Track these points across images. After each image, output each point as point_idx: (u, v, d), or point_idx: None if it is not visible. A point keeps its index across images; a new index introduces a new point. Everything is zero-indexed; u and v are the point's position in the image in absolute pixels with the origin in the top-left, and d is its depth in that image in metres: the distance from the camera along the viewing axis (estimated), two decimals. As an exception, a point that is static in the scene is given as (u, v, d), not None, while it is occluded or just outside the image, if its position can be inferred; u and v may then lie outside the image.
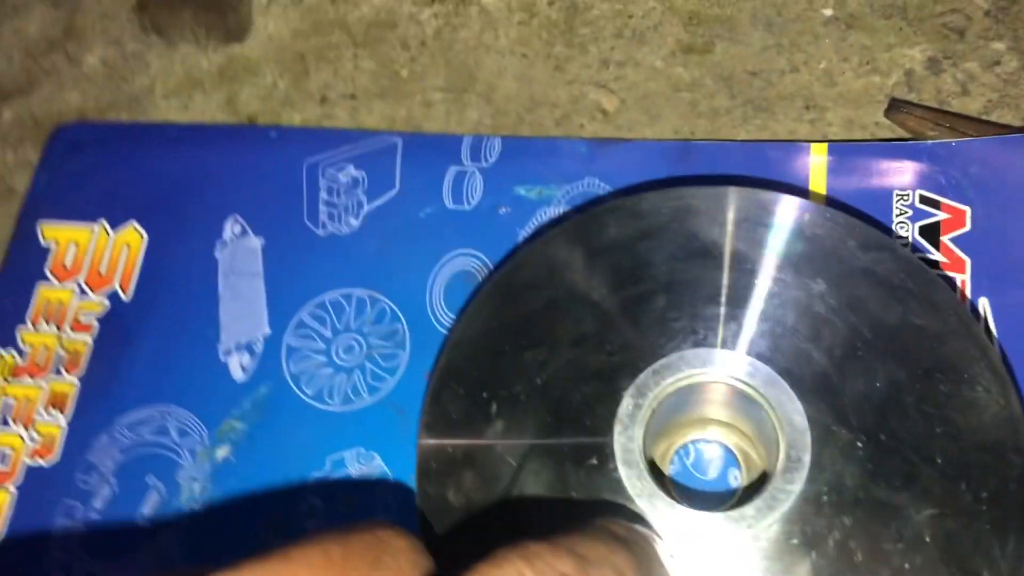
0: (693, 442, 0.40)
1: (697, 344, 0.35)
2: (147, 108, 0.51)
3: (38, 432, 0.44)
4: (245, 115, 0.50)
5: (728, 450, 0.40)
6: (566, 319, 0.37)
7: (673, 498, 0.36)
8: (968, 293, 0.40)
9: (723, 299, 0.36)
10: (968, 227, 0.41)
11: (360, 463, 0.41)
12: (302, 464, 0.41)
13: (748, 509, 0.32)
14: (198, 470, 0.42)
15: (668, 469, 0.40)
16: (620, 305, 0.37)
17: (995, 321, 0.39)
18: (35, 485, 0.43)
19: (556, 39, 0.48)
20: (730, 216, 0.38)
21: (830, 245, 0.36)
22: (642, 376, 0.35)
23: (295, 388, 0.43)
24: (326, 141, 0.47)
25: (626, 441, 0.34)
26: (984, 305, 0.40)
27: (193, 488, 0.42)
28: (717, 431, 0.39)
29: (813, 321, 0.35)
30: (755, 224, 0.37)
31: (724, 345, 0.35)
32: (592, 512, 0.33)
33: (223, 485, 0.42)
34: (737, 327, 0.35)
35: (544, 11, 0.49)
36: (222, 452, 0.42)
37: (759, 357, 0.35)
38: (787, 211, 0.37)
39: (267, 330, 0.44)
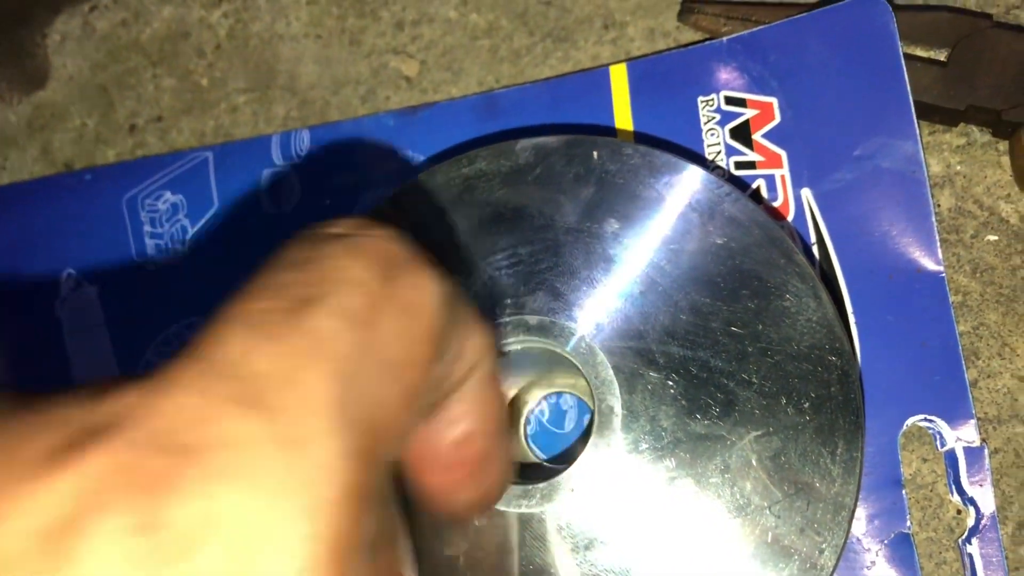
0: (547, 397, 0.40)
1: (499, 315, 0.34)
2: (-32, 176, 0.50)
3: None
4: (62, 162, 0.49)
5: (579, 399, 0.39)
6: (376, 315, 0.36)
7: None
8: (789, 187, 0.39)
9: (519, 263, 0.35)
10: (778, 119, 0.39)
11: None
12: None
13: (564, 476, 0.32)
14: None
15: (525, 433, 0.39)
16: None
17: (820, 209, 0.38)
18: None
19: (347, 12, 0.46)
20: (519, 172, 0.36)
21: (620, 181, 0.35)
22: (451, 360, 0.34)
23: (155, 430, 0.42)
24: (139, 172, 0.46)
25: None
26: (807, 196, 0.39)
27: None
28: (563, 382, 0.39)
29: (609, 265, 0.34)
30: (546, 174, 0.36)
31: (524, 310, 0.34)
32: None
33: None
34: (535, 288, 0.34)
35: (334, -17, 0.47)
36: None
37: (559, 315, 0.34)
38: (573, 153, 0.36)
39: (118, 378, 0.44)
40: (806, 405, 0.32)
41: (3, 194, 0.48)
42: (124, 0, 0.49)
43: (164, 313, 0.44)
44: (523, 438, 0.39)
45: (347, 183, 0.43)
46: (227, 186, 0.45)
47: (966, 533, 0.35)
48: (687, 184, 0.35)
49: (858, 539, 0.35)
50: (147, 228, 0.45)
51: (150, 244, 0.45)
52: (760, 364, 0.32)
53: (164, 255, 0.45)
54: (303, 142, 0.44)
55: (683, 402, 0.32)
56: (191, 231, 0.45)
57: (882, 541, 0.35)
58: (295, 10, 0.47)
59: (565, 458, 0.38)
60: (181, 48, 0.48)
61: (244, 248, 0.44)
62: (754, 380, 0.32)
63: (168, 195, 0.45)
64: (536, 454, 0.39)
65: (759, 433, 0.32)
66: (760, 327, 0.33)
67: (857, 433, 0.32)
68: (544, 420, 0.39)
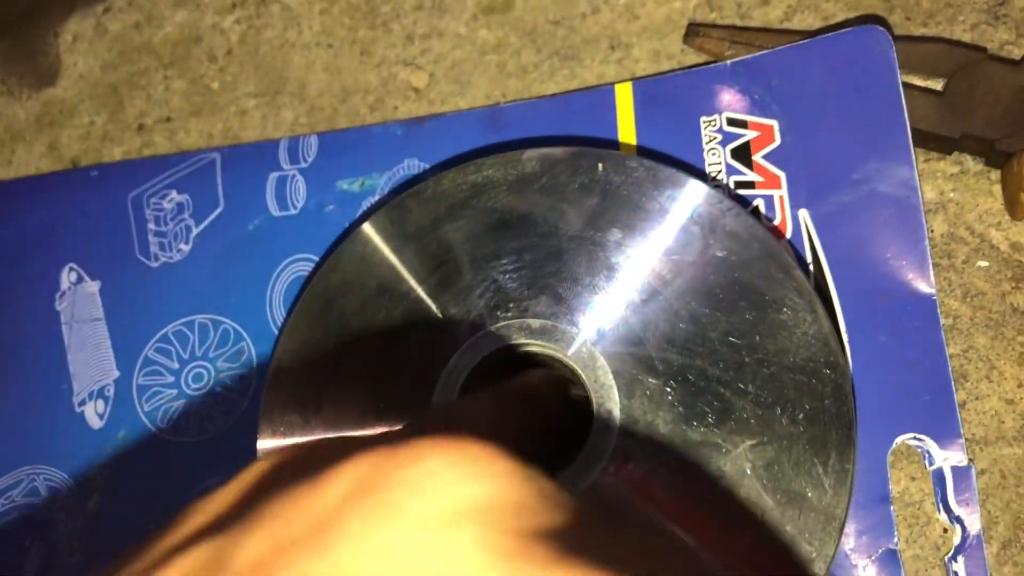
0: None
1: (503, 318, 0.35)
2: (-27, 169, 0.50)
3: (-89, 516, 0.44)
4: (68, 159, 0.49)
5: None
6: (379, 316, 0.37)
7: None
8: (787, 208, 0.40)
9: (523, 268, 0.36)
10: (778, 141, 0.40)
11: (225, 488, 0.41)
12: (170, 500, 0.42)
13: (562, 477, 0.32)
14: (73, 524, 0.42)
15: (520, 439, 0.40)
16: (428, 292, 0.36)
17: (816, 230, 0.39)
18: (-85, 569, 0.43)
19: (359, 23, 0.47)
20: (525, 180, 0.37)
21: (624, 192, 0.36)
22: (452, 361, 0.35)
23: (151, 426, 0.43)
24: (146, 170, 0.46)
25: (444, 429, 0.34)
26: (804, 217, 0.39)
27: (71, 543, 0.42)
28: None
29: (611, 272, 0.35)
30: (552, 183, 0.37)
31: (527, 314, 0.35)
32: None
33: (99, 534, 0.42)
34: (538, 292, 0.35)
35: (346, -5, 0.48)
36: (93, 502, 0.42)
37: (560, 319, 0.34)
38: (578, 164, 0.37)
39: (116, 373, 0.44)
40: (800, 416, 0.33)
41: (8, 188, 0.48)
42: (138, 3, 0.50)
43: (163, 311, 0.44)
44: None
45: (352, 189, 0.44)
46: (234, 188, 0.45)
47: (952, 551, 0.36)
48: (690, 198, 0.35)
49: (846, 554, 0.36)
50: (151, 226, 0.46)
51: (154, 242, 0.45)
52: (756, 374, 0.33)
53: (167, 253, 0.45)
54: (311, 147, 0.45)
55: (680, 409, 0.33)
56: (195, 230, 0.45)
57: (870, 556, 0.36)
58: (308, 19, 0.48)
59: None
60: (193, 52, 0.49)
61: (248, 249, 0.45)
62: (750, 390, 0.33)
63: (174, 194, 0.46)
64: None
65: (754, 442, 0.32)
66: (757, 338, 0.34)
67: (849, 445, 0.32)
68: (539, 428, 0.40)
